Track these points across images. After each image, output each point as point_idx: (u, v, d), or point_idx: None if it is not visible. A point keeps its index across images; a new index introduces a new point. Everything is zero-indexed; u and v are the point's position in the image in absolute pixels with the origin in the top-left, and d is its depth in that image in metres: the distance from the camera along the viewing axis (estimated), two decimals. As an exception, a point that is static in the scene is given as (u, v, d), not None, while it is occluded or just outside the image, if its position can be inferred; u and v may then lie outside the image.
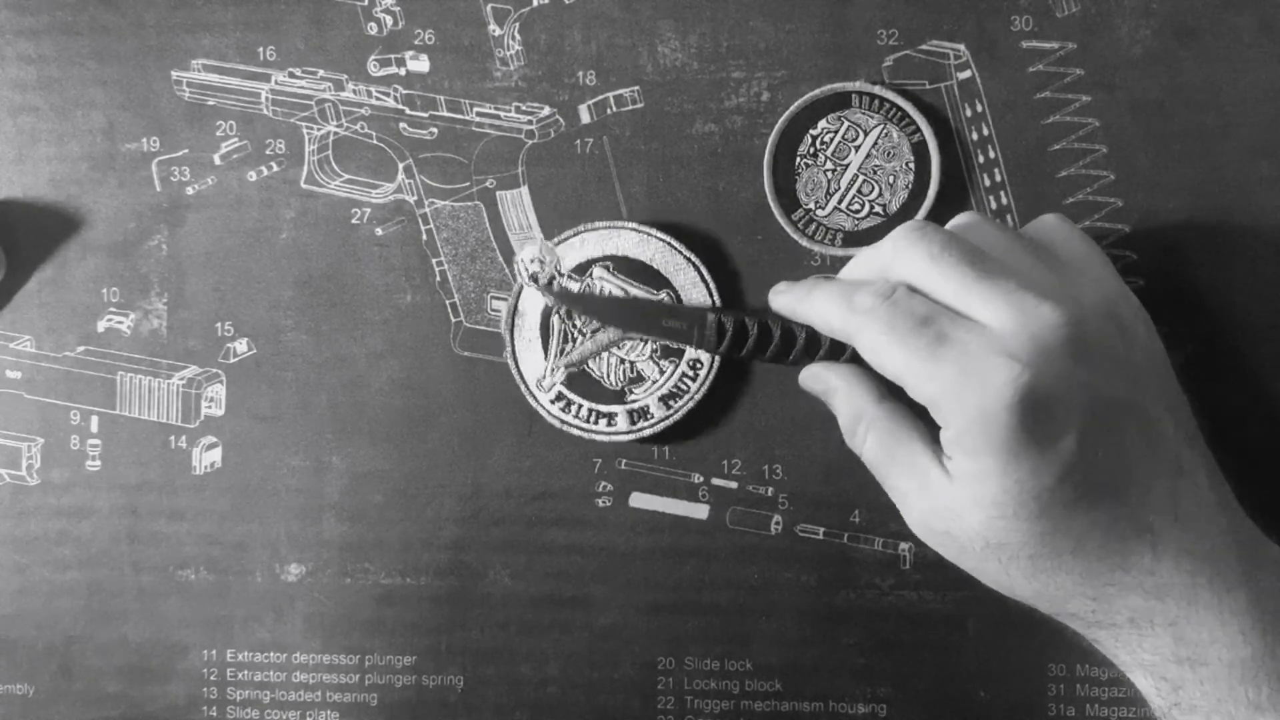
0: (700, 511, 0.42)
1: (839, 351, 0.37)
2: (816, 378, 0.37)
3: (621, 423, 0.41)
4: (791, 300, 0.36)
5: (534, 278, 0.41)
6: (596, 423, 0.41)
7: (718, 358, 0.40)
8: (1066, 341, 0.29)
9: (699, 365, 0.41)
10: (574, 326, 0.41)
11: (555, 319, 0.41)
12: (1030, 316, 0.29)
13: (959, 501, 0.30)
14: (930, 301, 0.31)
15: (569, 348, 0.41)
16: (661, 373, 0.41)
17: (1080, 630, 0.32)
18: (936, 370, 0.29)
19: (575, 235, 0.41)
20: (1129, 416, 0.30)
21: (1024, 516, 0.29)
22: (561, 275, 0.41)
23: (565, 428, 0.41)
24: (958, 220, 0.34)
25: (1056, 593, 0.31)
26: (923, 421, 0.33)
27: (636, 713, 0.42)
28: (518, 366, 0.41)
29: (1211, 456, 0.32)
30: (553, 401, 0.41)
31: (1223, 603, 0.28)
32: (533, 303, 0.41)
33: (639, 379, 0.41)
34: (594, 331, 0.41)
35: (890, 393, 0.34)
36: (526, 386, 0.41)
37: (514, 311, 0.41)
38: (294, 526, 0.43)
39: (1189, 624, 0.29)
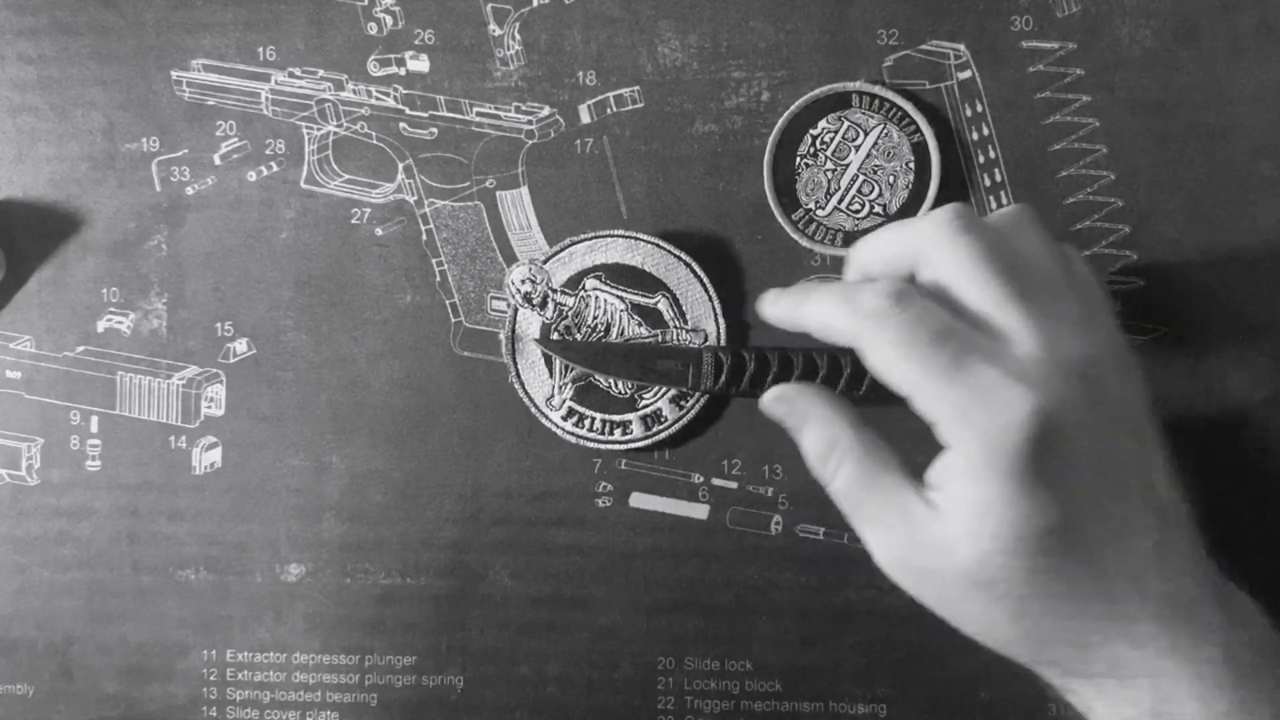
0: (700, 511, 0.42)
1: (836, 373, 0.36)
2: (783, 399, 0.34)
3: (636, 429, 0.41)
4: (786, 307, 0.34)
5: (527, 298, 0.40)
6: (611, 433, 0.41)
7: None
8: (1089, 380, 0.28)
9: None
10: (575, 339, 0.41)
11: (555, 335, 0.41)
12: (1058, 348, 0.28)
13: (949, 536, 0.29)
14: (945, 312, 0.30)
15: None
16: None
17: (1056, 680, 0.31)
18: (950, 391, 0.28)
19: (563, 250, 0.41)
20: (1132, 464, 0.29)
21: (1022, 553, 0.28)
22: (555, 291, 0.41)
23: (581, 443, 0.41)
24: (1006, 215, 0.32)
25: (1040, 637, 0.30)
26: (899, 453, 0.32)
27: (636, 713, 0.42)
28: (525, 389, 0.41)
29: (1185, 507, 0.31)
30: (564, 419, 0.41)
31: (1200, 654, 0.28)
32: (530, 324, 0.41)
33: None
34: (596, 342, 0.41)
35: (864, 420, 0.32)
36: (536, 407, 0.41)
37: (512, 336, 0.41)
38: (294, 526, 0.43)
39: (1167, 677, 0.28)
